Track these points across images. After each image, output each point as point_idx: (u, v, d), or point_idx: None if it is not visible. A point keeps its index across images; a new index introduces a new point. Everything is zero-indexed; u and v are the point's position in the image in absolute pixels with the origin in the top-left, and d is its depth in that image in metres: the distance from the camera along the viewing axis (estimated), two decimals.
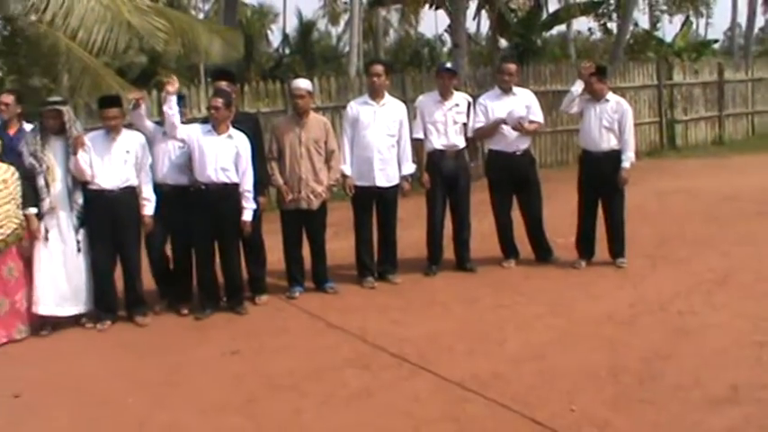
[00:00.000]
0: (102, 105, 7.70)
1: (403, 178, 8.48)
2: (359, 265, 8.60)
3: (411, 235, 9.34)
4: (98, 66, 13.08)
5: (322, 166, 8.09)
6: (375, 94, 8.43)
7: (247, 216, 7.62)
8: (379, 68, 8.49)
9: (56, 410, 5.76)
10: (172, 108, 7.42)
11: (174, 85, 7.45)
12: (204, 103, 12.99)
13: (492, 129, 8.73)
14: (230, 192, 7.58)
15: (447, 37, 38.53)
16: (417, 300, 7.93)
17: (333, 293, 8.23)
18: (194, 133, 7.61)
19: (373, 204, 8.48)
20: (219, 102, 7.57)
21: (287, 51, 36.27)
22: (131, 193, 7.55)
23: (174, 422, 5.41)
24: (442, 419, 5.23)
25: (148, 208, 7.59)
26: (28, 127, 8.01)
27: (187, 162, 7.72)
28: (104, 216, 7.43)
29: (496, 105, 8.76)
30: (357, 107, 8.45)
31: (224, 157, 7.54)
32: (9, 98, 8.27)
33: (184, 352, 6.84)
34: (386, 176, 8.35)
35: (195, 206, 7.58)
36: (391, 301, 7.89)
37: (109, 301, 7.67)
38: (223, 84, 8.01)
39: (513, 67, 8.94)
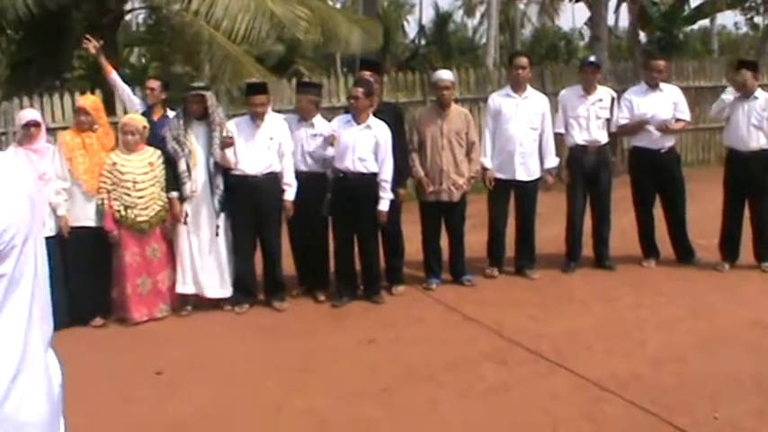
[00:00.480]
0: (249, 92, 7.83)
1: (546, 172, 8.37)
2: (489, 256, 8.56)
3: (550, 230, 9.19)
4: (239, 54, 13.36)
5: (463, 158, 8.04)
6: (518, 87, 8.32)
7: (383, 206, 7.61)
8: (523, 61, 8.42)
9: (196, 389, 5.90)
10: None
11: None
12: (342, 92, 13.13)
13: (637, 127, 8.50)
14: (368, 181, 7.58)
15: (585, 30, 37.98)
16: (555, 296, 7.80)
17: (470, 286, 8.17)
18: (335, 124, 7.71)
19: (510, 198, 8.40)
20: (359, 91, 7.58)
21: (423, 42, 36.32)
22: (274, 179, 7.65)
23: (311, 408, 5.44)
24: (579, 418, 5.10)
25: (290, 193, 7.67)
26: (171, 114, 8.22)
27: (320, 150, 7.81)
28: (247, 201, 7.56)
29: (642, 101, 8.52)
30: (499, 99, 8.37)
31: (363, 146, 7.56)
32: (155, 83, 8.52)
33: (321, 338, 6.92)
34: (526, 170, 8.26)
35: (334, 194, 7.64)
36: (528, 297, 7.79)
37: (248, 285, 7.81)
38: (366, 74, 8.03)
39: (662, 63, 8.70)
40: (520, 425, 5.05)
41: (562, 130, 8.55)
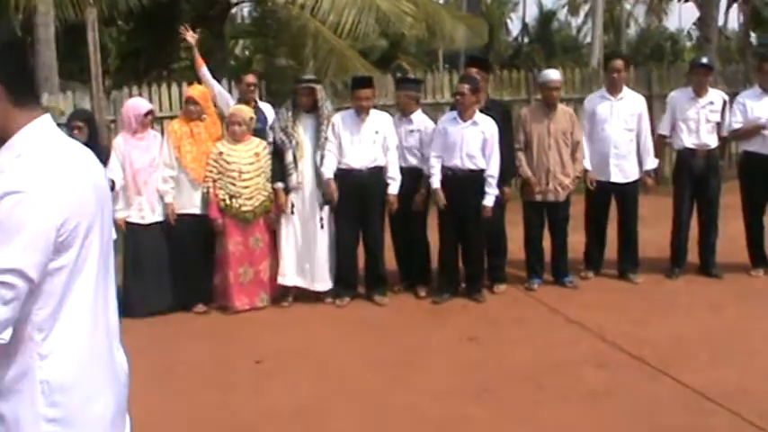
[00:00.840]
0: (355, 86, 7.86)
1: (645, 173, 8.20)
2: (585, 259, 8.46)
3: (653, 234, 8.99)
4: (344, 48, 13.44)
5: (568, 158, 7.95)
6: (613, 89, 8.19)
7: (489, 201, 7.54)
8: (619, 63, 8.25)
9: (295, 380, 5.95)
10: None
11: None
12: (446, 88, 13.09)
13: (752, 131, 8.24)
14: (476, 178, 7.55)
15: (693, 31, 37.15)
16: (658, 301, 7.61)
17: (572, 288, 8.06)
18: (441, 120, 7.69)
19: (609, 200, 8.27)
20: (466, 87, 7.53)
21: (526, 40, 36.04)
22: (378, 173, 7.67)
23: (411, 404, 5.43)
24: (683, 428, 4.97)
25: (393, 187, 7.68)
26: (264, 106, 8.33)
27: (418, 146, 7.82)
28: (352, 194, 7.59)
29: (756, 105, 8.25)
30: (594, 101, 8.27)
31: (470, 143, 7.52)
32: (254, 79, 8.45)
33: (421, 334, 6.91)
34: (622, 172, 8.12)
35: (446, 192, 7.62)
36: (631, 301, 7.63)
37: (350, 278, 7.85)
38: (473, 70, 7.99)
39: None
40: (620, 430, 4.94)
41: (667, 133, 8.39)
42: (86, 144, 7.43)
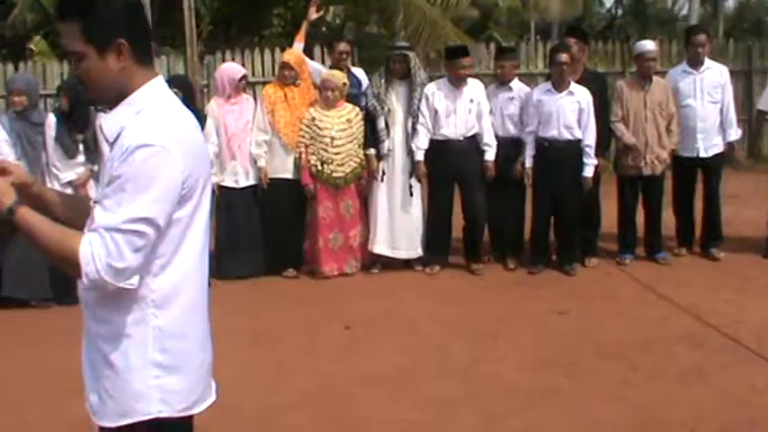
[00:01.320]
0: (452, 55, 7.78)
1: (728, 145, 8.02)
2: (677, 236, 8.32)
3: (749, 213, 8.77)
4: (437, 16, 13.35)
5: (664, 131, 7.78)
6: (695, 64, 7.99)
7: (588, 172, 7.51)
8: (702, 38, 8.03)
9: (383, 346, 5.98)
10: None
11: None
12: (540, 59, 12.96)
13: None
14: (573, 149, 7.51)
15: None
16: (756, 281, 7.40)
17: (664, 264, 7.92)
18: (532, 92, 7.63)
19: (696, 176, 8.11)
20: (564, 56, 7.43)
21: (619, 12, 35.26)
22: (475, 141, 7.64)
23: (499, 374, 5.42)
24: None
25: (490, 153, 7.63)
26: (357, 71, 8.35)
27: (518, 113, 7.75)
28: (448, 164, 7.58)
29: None
30: (676, 76, 8.09)
31: (567, 113, 7.45)
32: (346, 47, 8.39)
33: (512, 305, 6.88)
34: (707, 146, 7.94)
35: (537, 163, 7.58)
36: (727, 280, 7.44)
37: (442, 247, 7.87)
38: (572, 40, 7.88)
39: None
40: (712, 413, 4.79)
41: (764, 107, 8.20)
42: None
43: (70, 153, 6.99)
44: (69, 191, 6.94)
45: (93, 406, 2.32)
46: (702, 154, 7.94)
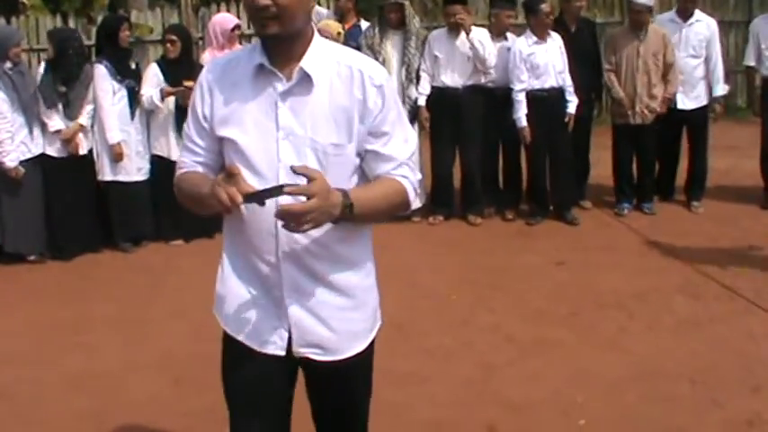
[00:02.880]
0: (445, 2, 7.75)
1: (713, 100, 7.99)
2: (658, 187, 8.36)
3: (748, 165, 8.74)
4: None
5: (658, 81, 7.75)
6: (683, 14, 7.97)
7: (572, 108, 7.60)
8: None
9: (382, 297, 5.98)
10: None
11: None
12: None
13: None
14: (563, 95, 7.61)
15: None
16: (753, 232, 7.41)
17: (650, 214, 7.95)
18: (517, 45, 7.57)
19: (679, 128, 8.08)
20: (545, 6, 7.45)
21: None
22: (474, 91, 7.63)
23: (497, 325, 5.46)
24: None
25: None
26: (364, 24, 8.25)
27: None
28: (447, 113, 7.59)
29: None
30: (663, 24, 8.05)
31: (558, 61, 7.52)
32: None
33: (510, 256, 6.90)
34: (689, 98, 7.93)
35: (531, 114, 7.52)
36: (723, 230, 7.45)
37: (445, 197, 7.92)
38: None
39: None
40: (710, 363, 4.83)
41: (753, 63, 8.17)
42: (179, 59, 7.48)
43: (48, 103, 6.96)
44: (58, 143, 7.05)
45: (329, 345, 2.50)
46: (681, 105, 7.92)
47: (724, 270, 6.37)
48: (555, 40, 7.57)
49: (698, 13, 8.04)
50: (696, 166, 8.18)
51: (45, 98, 6.96)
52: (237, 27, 7.73)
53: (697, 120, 8.01)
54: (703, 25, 7.98)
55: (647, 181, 8.09)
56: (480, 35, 7.59)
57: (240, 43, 7.90)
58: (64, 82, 7.01)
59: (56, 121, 7.02)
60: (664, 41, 7.77)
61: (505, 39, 7.80)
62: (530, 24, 7.64)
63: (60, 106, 7.01)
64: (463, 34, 7.53)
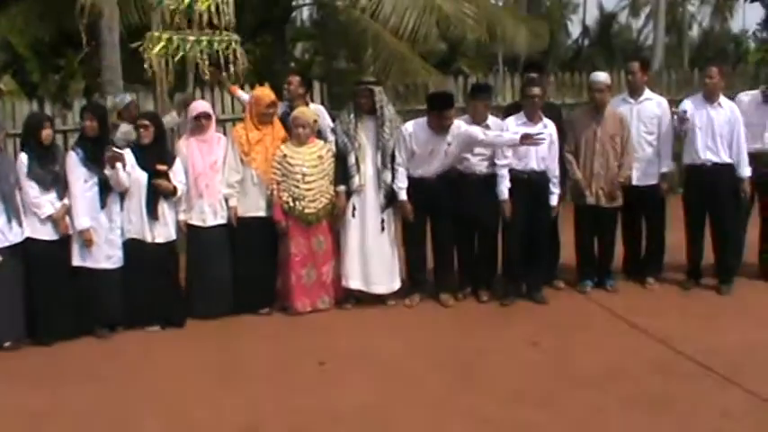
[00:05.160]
0: (438, 106, 7.63)
1: (661, 178, 8.11)
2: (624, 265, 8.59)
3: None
4: (405, 51, 13.44)
5: (614, 163, 7.88)
6: (632, 92, 8.18)
7: (555, 201, 7.77)
8: (634, 66, 8.20)
9: (358, 382, 6.00)
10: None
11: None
12: (508, 92, 13.06)
13: None
14: (545, 179, 7.73)
15: (758, 32, 36.52)
16: (728, 307, 7.54)
17: (612, 291, 8.05)
18: (507, 123, 7.71)
19: (637, 204, 8.16)
20: (538, 90, 7.62)
21: (586, 43, 35.72)
22: (446, 175, 7.75)
23: (472, 407, 5.46)
24: None
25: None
26: (313, 106, 8.31)
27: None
28: (421, 198, 7.64)
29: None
30: (616, 104, 8.18)
31: (543, 146, 7.57)
32: (295, 79, 8.35)
33: (485, 337, 6.92)
34: (641, 175, 8.07)
35: (515, 195, 7.64)
36: (697, 307, 7.55)
37: (419, 277, 7.95)
38: (533, 75, 8.02)
39: None
40: None
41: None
42: (152, 145, 7.54)
43: (46, 185, 7.01)
44: (49, 225, 7.04)
45: None
46: (635, 182, 8.04)
47: (698, 347, 6.40)
48: (548, 127, 7.65)
49: (648, 92, 8.22)
50: (652, 243, 8.33)
51: (39, 181, 6.99)
52: (203, 116, 7.62)
53: (651, 196, 8.13)
54: (654, 103, 8.16)
55: (607, 259, 8.20)
56: (454, 129, 7.61)
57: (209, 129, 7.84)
58: (54, 161, 7.10)
59: (47, 206, 7.03)
60: (622, 123, 7.92)
61: (486, 127, 7.75)
62: (522, 106, 7.85)
63: (52, 189, 7.05)
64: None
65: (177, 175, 7.39)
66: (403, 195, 7.65)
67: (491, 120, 7.87)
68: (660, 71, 15.73)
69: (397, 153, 7.65)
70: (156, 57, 7.97)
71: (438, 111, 7.58)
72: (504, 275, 8.00)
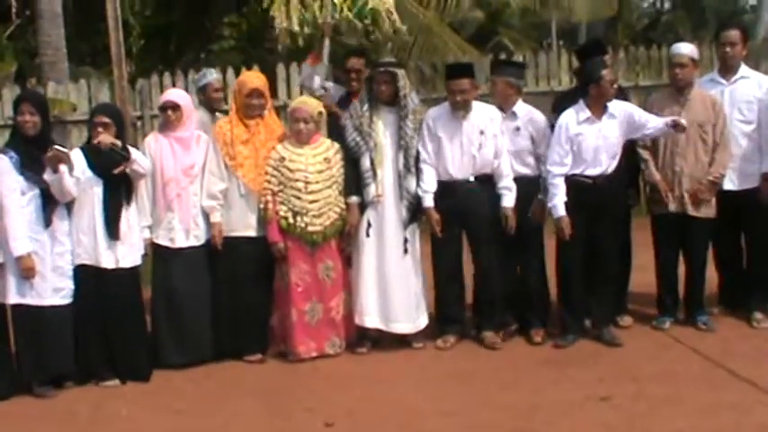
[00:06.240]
0: (448, 75, 7.89)
1: (763, 177, 8.04)
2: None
3: None
4: (431, 21, 13.41)
5: (706, 158, 7.89)
6: (725, 71, 8.19)
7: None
8: (732, 35, 8.18)
9: None
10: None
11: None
12: (563, 72, 13.05)
13: None
14: (615, 185, 7.73)
15: None
16: None
17: (705, 330, 8.01)
18: (564, 119, 7.69)
19: (730, 213, 8.13)
20: (607, 72, 7.60)
21: (666, 6, 35.31)
22: (486, 183, 7.75)
23: None
24: None
25: (508, 198, 7.71)
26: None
27: (529, 148, 7.90)
28: (453, 210, 7.68)
29: None
30: (704, 86, 8.21)
31: (613, 142, 7.63)
32: (361, 63, 8.50)
33: (538, 391, 6.91)
34: (739, 177, 8.07)
35: (575, 207, 7.61)
36: None
37: (454, 311, 7.96)
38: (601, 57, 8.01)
39: None
40: None
41: None
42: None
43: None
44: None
45: None
46: (730, 186, 8.03)
47: None
48: (616, 116, 7.62)
49: (745, 69, 8.20)
50: (757, 265, 8.25)
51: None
52: (171, 105, 7.65)
53: (751, 204, 8.07)
54: (752, 83, 8.13)
55: (697, 286, 8.15)
56: (489, 115, 7.77)
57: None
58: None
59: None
60: (714, 108, 7.90)
61: (513, 116, 7.88)
62: (585, 96, 7.71)
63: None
64: (471, 113, 7.72)
65: (140, 161, 7.31)
66: (429, 201, 7.70)
67: (520, 107, 7.91)
68: (765, 42, 15.61)
69: (421, 148, 7.73)
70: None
71: (448, 79, 7.74)
72: (560, 308, 8.01)
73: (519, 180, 7.82)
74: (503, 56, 13.97)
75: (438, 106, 7.96)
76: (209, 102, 8.37)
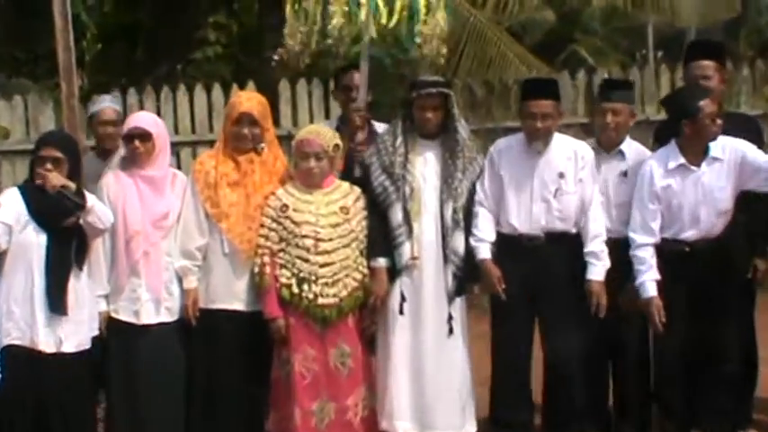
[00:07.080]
0: (526, 95, 7.86)
1: None
2: None
3: None
4: (485, 26, 13.45)
5: None
6: None
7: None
8: None
9: None
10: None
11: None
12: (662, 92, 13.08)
13: None
14: (723, 250, 7.67)
15: None
16: None
17: None
18: (648, 168, 7.69)
19: None
20: (709, 103, 7.48)
21: None
22: (568, 243, 7.74)
23: None
24: None
25: (596, 270, 7.65)
26: (380, 128, 8.36)
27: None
28: (519, 276, 7.66)
29: None
30: None
31: (717, 197, 7.59)
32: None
33: None
34: None
35: (672, 280, 7.60)
36: None
37: (519, 412, 7.94)
38: (705, 64, 7.94)
39: None
40: None
41: None
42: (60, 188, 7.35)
43: None
44: None
45: None
46: None
47: None
48: (724, 161, 7.54)
49: None
50: None
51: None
52: (139, 133, 7.59)
53: None
54: None
55: None
56: (574, 150, 7.76)
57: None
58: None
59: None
60: None
61: (620, 155, 7.88)
62: (678, 134, 7.63)
63: None
64: (550, 146, 7.71)
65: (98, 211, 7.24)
66: (485, 252, 7.67)
67: (628, 145, 7.93)
68: None
69: (479, 187, 7.72)
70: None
71: (524, 99, 7.76)
72: (659, 411, 8.00)
73: (624, 244, 7.73)
74: (582, 73, 13.94)
75: (508, 137, 8.03)
76: (98, 140, 8.42)
